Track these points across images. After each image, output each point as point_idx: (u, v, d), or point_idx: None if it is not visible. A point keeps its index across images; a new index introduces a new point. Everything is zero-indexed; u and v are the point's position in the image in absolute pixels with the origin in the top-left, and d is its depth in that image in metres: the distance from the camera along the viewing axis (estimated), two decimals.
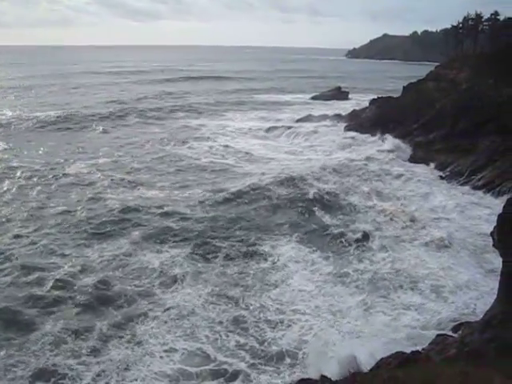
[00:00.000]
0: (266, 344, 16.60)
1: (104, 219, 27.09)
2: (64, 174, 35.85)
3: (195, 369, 15.23)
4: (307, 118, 62.86)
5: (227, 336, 16.99)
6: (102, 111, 64.75)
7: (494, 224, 14.27)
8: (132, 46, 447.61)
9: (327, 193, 32.11)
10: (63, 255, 22.69)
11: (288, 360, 15.75)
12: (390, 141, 46.05)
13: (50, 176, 35.46)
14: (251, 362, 15.68)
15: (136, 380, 14.71)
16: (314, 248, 24.40)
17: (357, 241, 25.22)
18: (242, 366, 15.46)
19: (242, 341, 16.73)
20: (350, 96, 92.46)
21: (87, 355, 15.70)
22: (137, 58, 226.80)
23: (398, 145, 44.96)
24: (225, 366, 15.38)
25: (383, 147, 45.41)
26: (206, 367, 15.34)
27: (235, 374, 15.04)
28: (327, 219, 28.15)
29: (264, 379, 14.87)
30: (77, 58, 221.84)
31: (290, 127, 57.12)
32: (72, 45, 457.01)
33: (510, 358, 9.73)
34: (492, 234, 14.58)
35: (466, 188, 34.72)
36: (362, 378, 7.97)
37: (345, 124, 56.06)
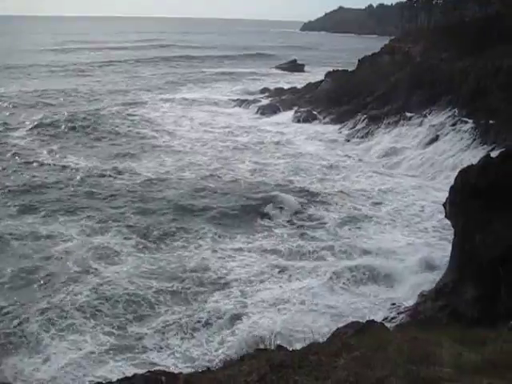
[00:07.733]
0: None
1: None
2: None
3: None
4: (262, 91, 62.30)
5: None
6: None
7: None
8: (82, 16, 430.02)
9: None
10: None
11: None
12: None
13: None
14: None
15: None
16: None
17: None
18: None
19: None
20: (305, 69, 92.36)
21: None
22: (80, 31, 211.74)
23: None
24: None
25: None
26: None
27: None
28: None
29: None
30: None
31: (244, 101, 56.28)
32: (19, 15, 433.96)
33: (460, 324, 10.04)
34: (444, 205, 14.86)
35: None
36: (318, 347, 7.99)
37: (300, 96, 55.67)
